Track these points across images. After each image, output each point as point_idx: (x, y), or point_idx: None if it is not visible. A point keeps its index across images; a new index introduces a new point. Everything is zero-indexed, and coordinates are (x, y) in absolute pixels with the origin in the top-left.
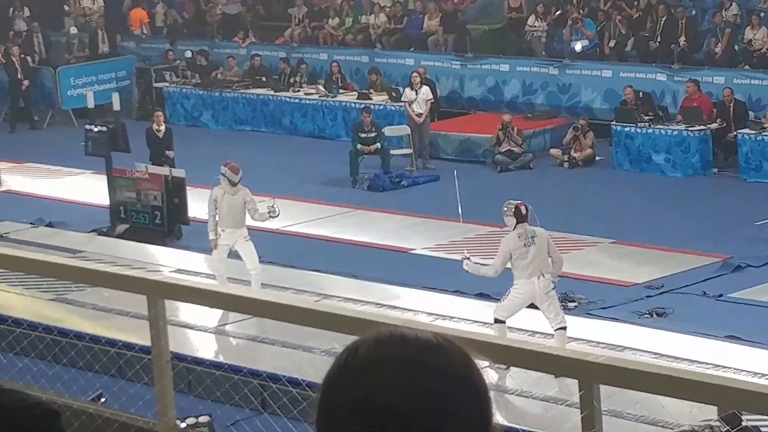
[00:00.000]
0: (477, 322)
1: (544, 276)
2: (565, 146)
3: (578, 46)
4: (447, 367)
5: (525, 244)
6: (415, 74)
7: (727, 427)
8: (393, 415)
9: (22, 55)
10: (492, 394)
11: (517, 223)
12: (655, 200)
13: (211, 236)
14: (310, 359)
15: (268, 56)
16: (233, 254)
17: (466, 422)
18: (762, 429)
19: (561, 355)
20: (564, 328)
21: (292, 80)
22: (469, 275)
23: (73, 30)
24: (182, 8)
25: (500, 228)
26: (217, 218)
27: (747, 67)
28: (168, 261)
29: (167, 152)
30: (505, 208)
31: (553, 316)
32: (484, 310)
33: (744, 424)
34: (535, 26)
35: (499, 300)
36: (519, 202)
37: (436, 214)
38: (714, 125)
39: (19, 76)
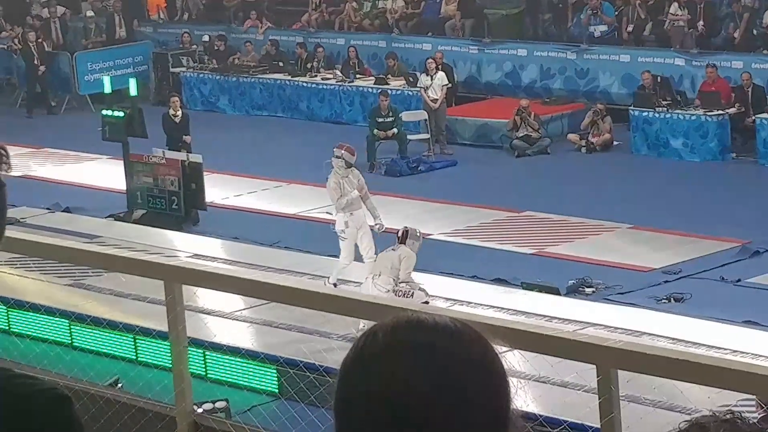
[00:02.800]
0: (494, 307)
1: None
2: (582, 131)
3: (597, 32)
4: (465, 352)
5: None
6: (430, 60)
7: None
8: (411, 401)
9: (39, 40)
10: (510, 378)
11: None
12: (673, 185)
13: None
14: (327, 344)
15: (285, 41)
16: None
17: (484, 407)
18: None
19: (579, 340)
20: None
21: (308, 65)
22: (486, 262)
23: (90, 14)
24: None
25: (518, 213)
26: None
27: (765, 51)
28: (185, 246)
29: (184, 137)
30: None
31: None
32: (501, 295)
33: None
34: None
35: (517, 286)
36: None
37: (454, 200)
38: (732, 110)
39: (35, 61)
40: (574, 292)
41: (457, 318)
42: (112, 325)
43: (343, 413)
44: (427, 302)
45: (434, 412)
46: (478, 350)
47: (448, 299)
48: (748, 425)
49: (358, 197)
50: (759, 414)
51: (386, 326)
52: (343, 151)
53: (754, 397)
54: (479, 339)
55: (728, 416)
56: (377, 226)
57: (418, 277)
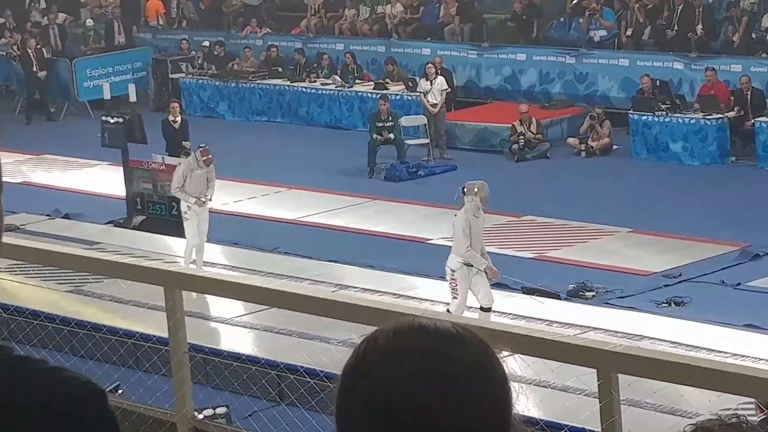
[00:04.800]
0: (495, 312)
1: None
2: (582, 135)
3: (596, 37)
4: (466, 357)
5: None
6: (430, 65)
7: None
8: (412, 406)
9: (38, 46)
10: (511, 383)
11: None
12: (673, 189)
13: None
14: (328, 350)
15: (284, 47)
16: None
17: (485, 412)
18: None
19: (579, 344)
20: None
21: (312, 73)
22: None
23: (90, 21)
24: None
25: (518, 218)
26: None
27: (764, 55)
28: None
29: (184, 143)
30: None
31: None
32: (502, 300)
33: None
34: None
35: (518, 291)
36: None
37: (454, 204)
38: (731, 113)
39: (34, 68)
40: (574, 296)
41: (458, 322)
42: (112, 332)
43: (345, 419)
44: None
45: (436, 417)
46: (479, 355)
47: (448, 304)
48: (753, 429)
49: (204, 186)
50: (759, 417)
51: (387, 331)
52: (203, 159)
53: (753, 400)
54: (481, 344)
55: (733, 420)
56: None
57: (418, 282)
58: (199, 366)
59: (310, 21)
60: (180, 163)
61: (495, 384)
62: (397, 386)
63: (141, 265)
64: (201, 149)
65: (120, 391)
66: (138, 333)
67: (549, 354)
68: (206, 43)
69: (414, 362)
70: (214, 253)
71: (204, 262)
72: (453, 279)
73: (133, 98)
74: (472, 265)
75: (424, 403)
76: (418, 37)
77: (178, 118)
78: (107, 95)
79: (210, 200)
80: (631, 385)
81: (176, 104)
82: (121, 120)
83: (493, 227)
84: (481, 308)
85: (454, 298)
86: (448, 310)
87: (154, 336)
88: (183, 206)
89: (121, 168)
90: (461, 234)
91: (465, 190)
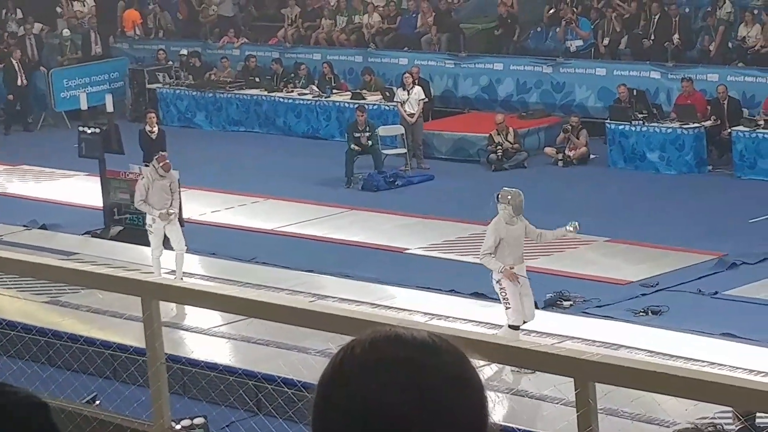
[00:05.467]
0: (472, 321)
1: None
2: (559, 145)
3: (573, 47)
4: (443, 367)
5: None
6: (407, 75)
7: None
8: (389, 415)
9: (22, 57)
10: (488, 393)
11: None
12: (650, 198)
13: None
14: (305, 360)
15: (261, 57)
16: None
17: (462, 421)
18: None
19: (556, 353)
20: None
21: (289, 83)
22: (464, 276)
23: (66, 32)
24: (176, 9)
25: None
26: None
27: (741, 64)
28: (162, 262)
29: (161, 153)
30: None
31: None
32: (480, 309)
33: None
34: None
35: (495, 300)
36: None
37: (431, 214)
38: (708, 123)
39: (18, 81)
40: (552, 305)
41: (435, 332)
42: (89, 342)
43: (321, 429)
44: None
45: (412, 427)
46: (456, 365)
47: (426, 314)
48: None
49: (168, 198)
50: (736, 426)
51: (364, 341)
52: (159, 166)
53: (731, 409)
54: (457, 353)
55: (710, 429)
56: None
57: (396, 292)
58: (177, 376)
59: (287, 31)
60: (141, 176)
61: (471, 393)
62: (373, 396)
63: (118, 275)
64: (157, 157)
65: (97, 402)
66: (115, 344)
67: (526, 363)
68: (183, 53)
69: (390, 372)
70: (192, 263)
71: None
72: (502, 289)
73: (110, 108)
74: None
75: (401, 413)
76: (395, 46)
77: (155, 129)
78: (84, 105)
79: (174, 213)
80: (609, 394)
81: (153, 114)
82: (98, 130)
83: (470, 236)
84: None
85: (507, 308)
86: (509, 325)
87: (132, 346)
88: (148, 219)
89: (99, 178)
90: (486, 240)
91: (499, 197)
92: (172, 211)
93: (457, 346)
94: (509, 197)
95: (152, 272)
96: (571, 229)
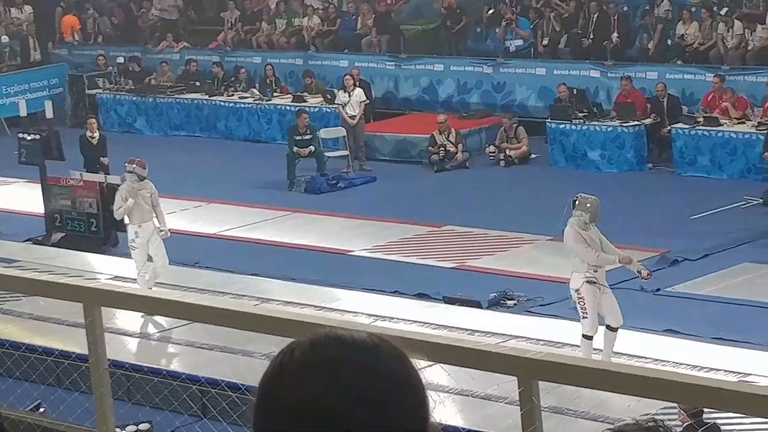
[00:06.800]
0: (417, 322)
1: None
2: (499, 145)
3: (513, 47)
4: (383, 367)
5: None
6: (348, 77)
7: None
8: (329, 417)
9: None
10: (429, 392)
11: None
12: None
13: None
14: (250, 363)
15: (202, 61)
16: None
17: (403, 422)
18: (720, 424)
19: (499, 352)
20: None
21: (230, 87)
22: (408, 277)
23: (5, 38)
24: (113, 14)
25: (439, 228)
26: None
27: (679, 62)
28: (105, 268)
29: (102, 159)
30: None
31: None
32: (424, 310)
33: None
34: None
35: (440, 300)
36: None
37: (374, 216)
38: (648, 120)
39: None
40: (495, 305)
41: (375, 333)
42: (31, 349)
43: (263, 431)
44: None
45: (353, 427)
46: (395, 365)
47: (370, 315)
48: None
49: (148, 210)
50: (685, 423)
51: (304, 343)
52: (134, 166)
53: (677, 405)
54: (397, 353)
55: (651, 424)
56: (162, 233)
57: (340, 294)
58: (120, 382)
59: (227, 35)
60: (119, 188)
61: (411, 394)
62: (313, 398)
63: (60, 282)
64: (128, 161)
65: (42, 409)
66: (58, 350)
67: (468, 362)
68: (120, 60)
69: (330, 374)
70: (134, 268)
71: (123, 278)
72: (580, 298)
73: (49, 115)
74: (596, 282)
75: (341, 415)
76: (335, 49)
77: (96, 134)
78: (23, 112)
79: (165, 232)
80: (552, 392)
81: (94, 120)
82: (38, 137)
83: (413, 237)
84: (608, 327)
85: (584, 317)
86: (583, 335)
87: (74, 353)
88: (130, 234)
89: (39, 185)
90: (581, 247)
91: (576, 203)
92: (163, 230)
93: (397, 347)
94: (588, 204)
95: (97, 278)
96: (645, 274)
